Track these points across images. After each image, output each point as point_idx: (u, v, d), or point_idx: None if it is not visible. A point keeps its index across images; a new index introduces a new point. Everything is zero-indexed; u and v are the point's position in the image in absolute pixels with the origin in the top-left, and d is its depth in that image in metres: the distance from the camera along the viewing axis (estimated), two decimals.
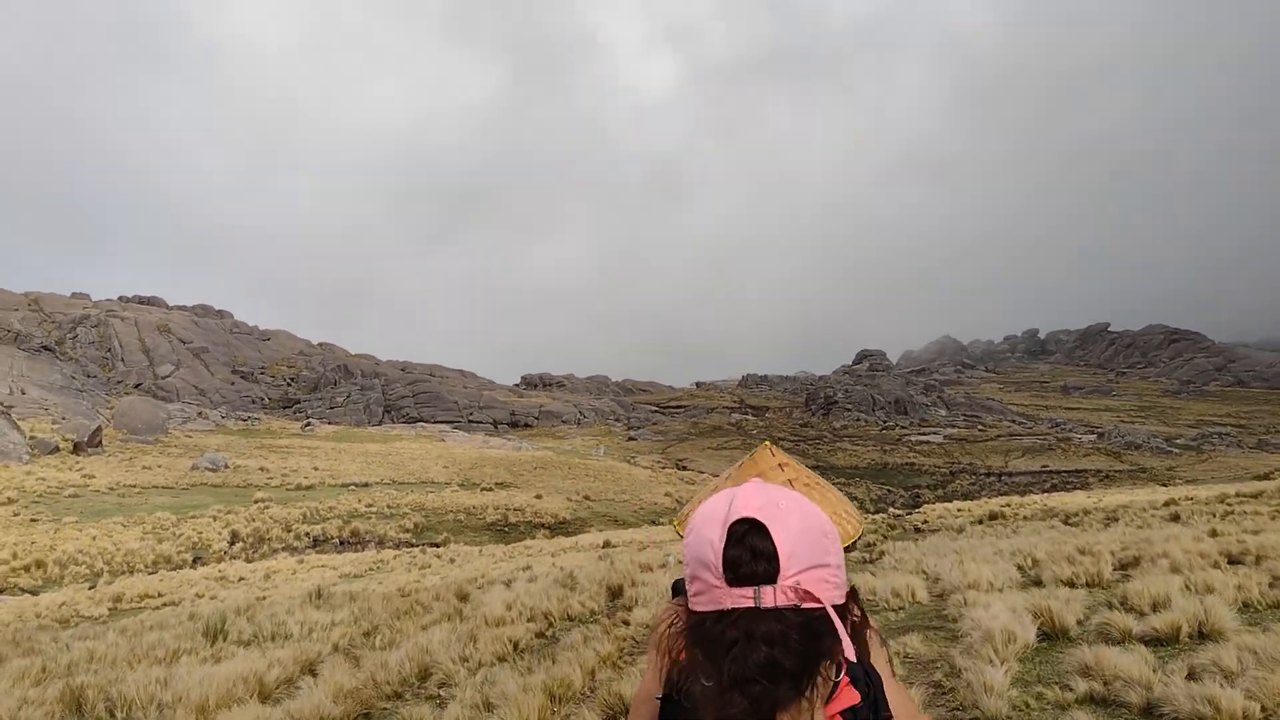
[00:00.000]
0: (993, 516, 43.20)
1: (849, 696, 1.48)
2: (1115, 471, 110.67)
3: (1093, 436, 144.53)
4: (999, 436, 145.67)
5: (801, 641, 1.12)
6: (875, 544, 28.75)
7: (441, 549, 48.77)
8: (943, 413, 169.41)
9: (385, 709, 7.20)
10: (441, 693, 7.50)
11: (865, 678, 1.59)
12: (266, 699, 7.33)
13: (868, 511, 75.27)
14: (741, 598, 1.12)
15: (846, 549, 2.16)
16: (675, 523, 2.31)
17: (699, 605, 1.18)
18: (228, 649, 9.80)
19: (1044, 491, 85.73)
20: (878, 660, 1.84)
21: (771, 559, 1.14)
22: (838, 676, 1.33)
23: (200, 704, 6.85)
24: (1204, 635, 7.42)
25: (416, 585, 26.44)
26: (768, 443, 2.65)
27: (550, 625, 10.99)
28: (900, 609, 11.30)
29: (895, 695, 1.80)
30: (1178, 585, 9.17)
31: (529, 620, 10.97)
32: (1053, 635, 8.14)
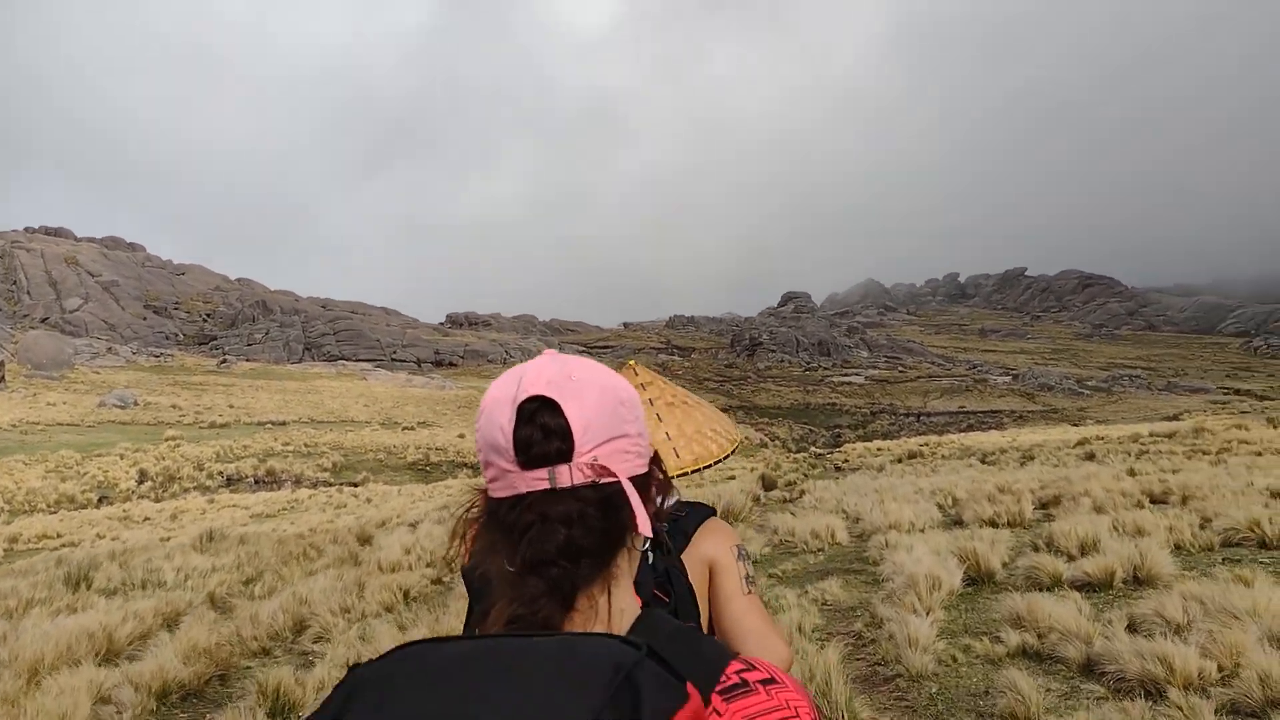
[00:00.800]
0: (912, 455, 43.67)
1: None
2: (1029, 412, 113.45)
3: (1008, 378, 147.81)
4: (919, 378, 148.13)
5: (600, 518, 1.03)
6: (796, 483, 28.58)
7: (360, 489, 47.71)
8: (865, 354, 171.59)
9: (246, 668, 6.45)
10: (316, 648, 6.76)
11: (665, 584, 1.68)
12: (114, 658, 6.52)
13: (789, 451, 75.84)
14: (536, 480, 1.02)
15: (716, 462, 2.22)
16: None
17: (495, 491, 1.07)
18: (89, 599, 8.90)
19: (961, 431, 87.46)
20: (724, 575, 1.89)
21: (565, 436, 1.03)
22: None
23: (33, 664, 6.01)
24: (1139, 581, 6.99)
25: (328, 525, 25.55)
26: (631, 361, 2.45)
27: (450, 569, 10.27)
28: (819, 550, 10.83)
29: (744, 616, 1.83)
30: (1105, 526, 8.76)
31: (427, 565, 10.24)
32: (978, 580, 7.67)
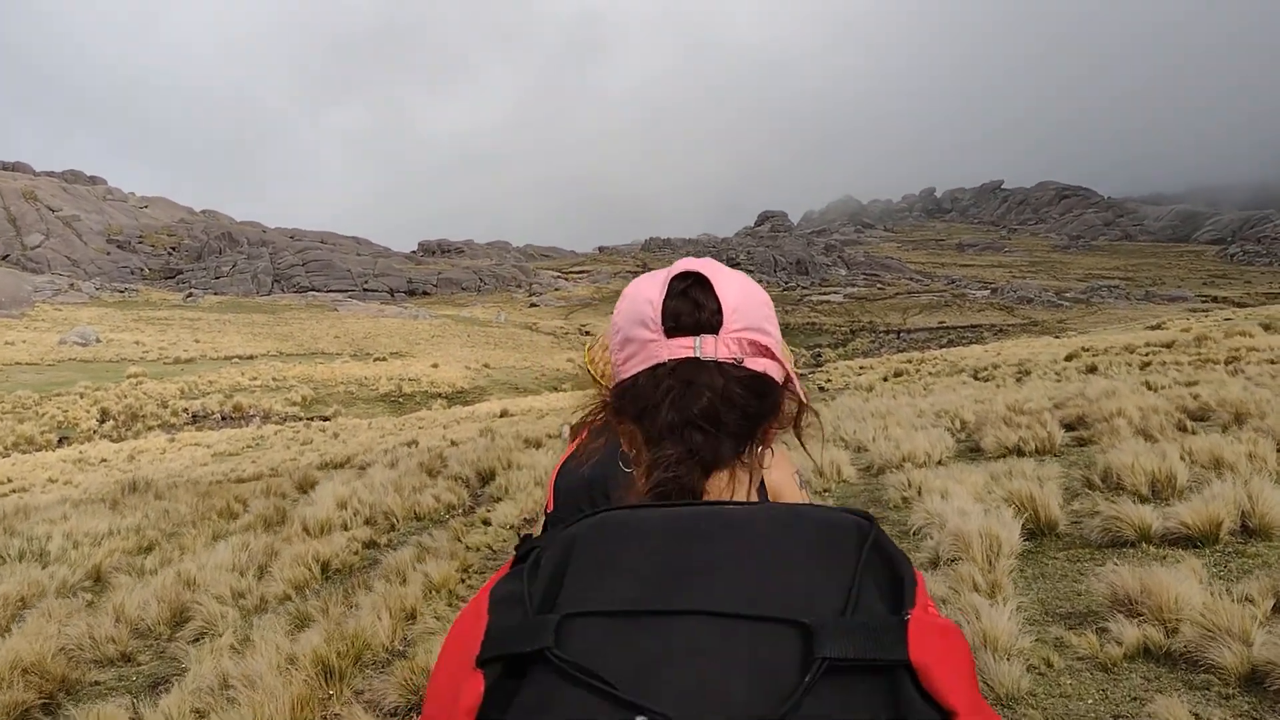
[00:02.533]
0: (898, 373, 42.48)
1: None
2: (1009, 325, 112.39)
3: (986, 292, 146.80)
4: (897, 294, 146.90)
5: (745, 396, 0.98)
6: None
7: (329, 423, 46.35)
8: (843, 272, 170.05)
9: (95, 684, 4.88)
10: (193, 651, 5.15)
11: None
12: None
13: None
14: (681, 348, 0.99)
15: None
16: (585, 355, 1.87)
17: (629, 369, 1.02)
18: None
19: (942, 347, 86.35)
20: (790, 501, 1.80)
21: (715, 311, 1.00)
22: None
23: None
24: (1250, 531, 5.45)
25: (290, 463, 24.11)
26: None
27: (393, 528, 8.73)
28: (825, 492, 9.28)
29: None
30: (1174, 456, 7.21)
31: (366, 522, 8.69)
32: (1038, 532, 6.12)
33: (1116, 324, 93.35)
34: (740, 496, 1.00)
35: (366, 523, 8.79)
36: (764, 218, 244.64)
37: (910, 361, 53.65)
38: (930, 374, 40.34)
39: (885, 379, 38.69)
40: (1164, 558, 5.16)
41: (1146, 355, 28.16)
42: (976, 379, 29.27)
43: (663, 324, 0.99)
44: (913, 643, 0.70)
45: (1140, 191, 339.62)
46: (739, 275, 1.06)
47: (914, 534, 6.48)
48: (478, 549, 7.16)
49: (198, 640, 5.41)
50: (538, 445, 16.58)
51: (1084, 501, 6.80)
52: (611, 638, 0.72)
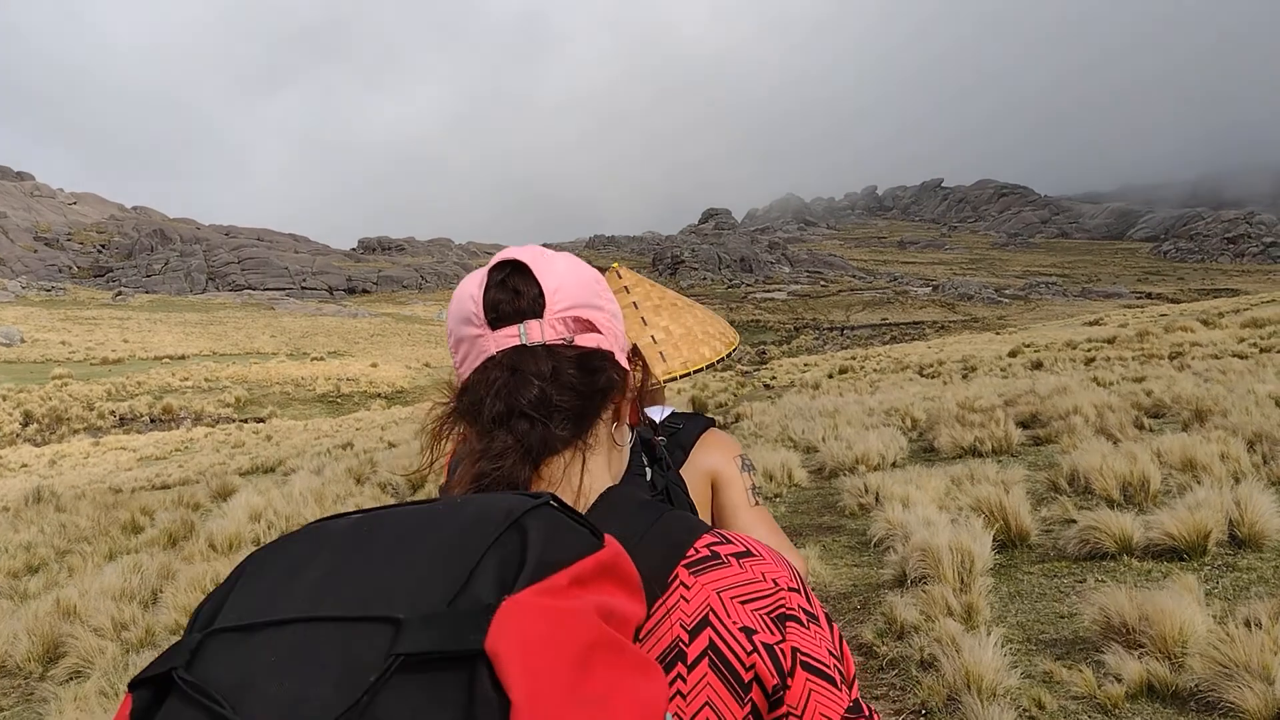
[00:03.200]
0: (843, 370, 42.24)
1: None
2: (950, 322, 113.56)
3: (928, 289, 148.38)
4: (840, 291, 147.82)
5: (578, 376, 0.97)
6: (728, 405, 26.66)
7: (263, 424, 45.14)
8: (786, 269, 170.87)
9: None
10: (61, 693, 4.45)
11: (665, 500, 1.47)
12: None
13: (714, 369, 74.06)
14: (506, 338, 0.97)
15: (709, 366, 2.09)
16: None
17: (466, 369, 1.00)
18: None
19: (885, 344, 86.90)
20: (729, 487, 1.82)
21: (537, 296, 0.98)
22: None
23: None
24: (1240, 542, 5.02)
25: (218, 467, 23.20)
26: (615, 264, 2.27)
27: None
28: (776, 497, 8.76)
29: (752, 526, 1.79)
30: (1145, 457, 6.79)
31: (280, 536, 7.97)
32: (1009, 543, 5.64)
33: (1055, 320, 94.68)
34: (581, 480, 0.96)
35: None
36: (708, 215, 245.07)
37: (855, 358, 53.63)
38: (875, 371, 40.22)
39: (830, 376, 38.40)
40: (1149, 573, 4.70)
41: (1090, 351, 28.18)
42: (923, 376, 29.09)
43: (485, 317, 0.97)
44: (494, 630, 0.65)
45: (1076, 190, 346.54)
46: (562, 256, 1.04)
47: (876, 546, 5.98)
48: None
49: (73, 679, 4.73)
50: None
51: (1053, 508, 6.35)
52: (227, 652, 0.68)
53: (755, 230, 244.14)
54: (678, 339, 2.10)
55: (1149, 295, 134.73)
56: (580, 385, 0.95)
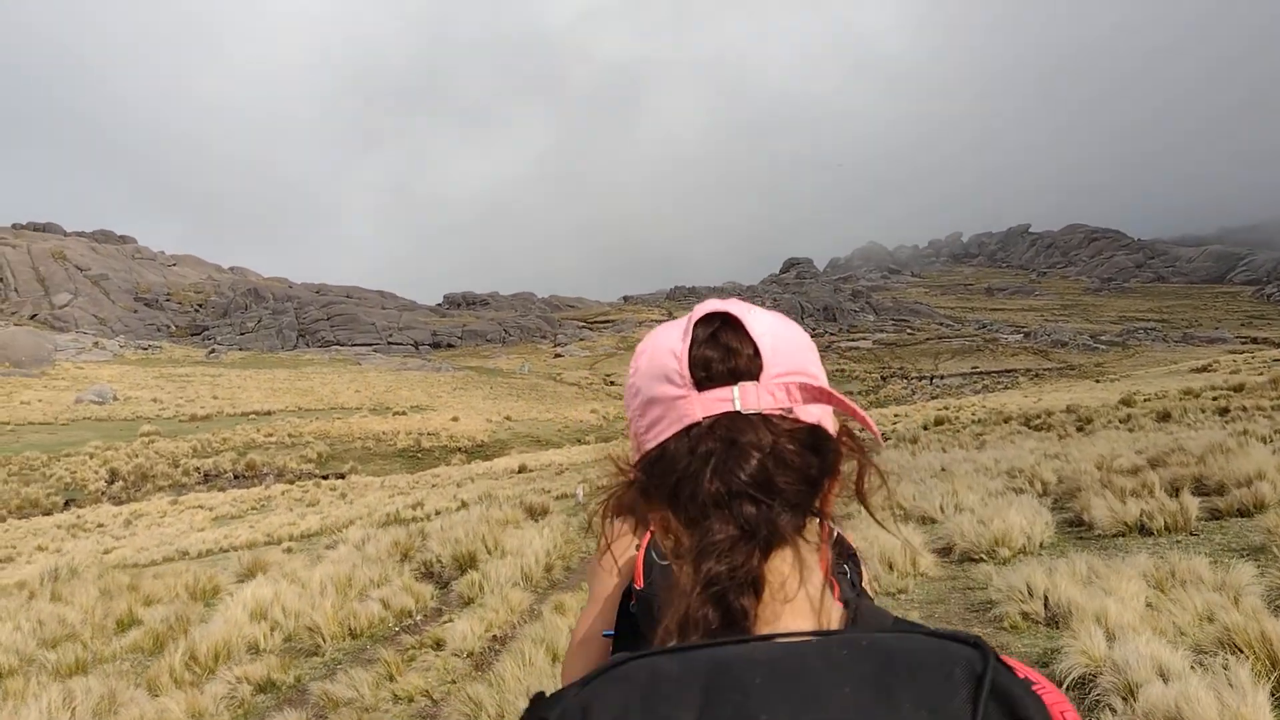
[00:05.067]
0: (938, 422, 40.05)
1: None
2: (1044, 369, 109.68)
3: (1019, 336, 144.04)
4: (928, 340, 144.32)
5: (801, 454, 0.81)
6: None
7: (340, 480, 44.79)
8: (871, 318, 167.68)
9: None
10: None
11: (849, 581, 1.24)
12: None
13: None
14: (717, 401, 0.82)
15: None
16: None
17: (656, 435, 0.85)
18: None
19: (976, 393, 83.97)
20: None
21: (752, 356, 0.84)
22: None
23: None
24: None
25: (291, 527, 22.39)
26: None
27: (316, 651, 6.62)
28: (899, 593, 7.06)
29: None
30: None
31: (285, 640, 6.57)
32: None
33: (1158, 366, 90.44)
34: (810, 587, 0.81)
35: (286, 641, 6.72)
36: (789, 264, 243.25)
37: (947, 408, 51.30)
38: (973, 421, 37.96)
39: (925, 428, 36.23)
40: None
41: (1218, 400, 25.75)
42: (1031, 428, 26.88)
43: (691, 376, 0.83)
44: None
45: (1170, 233, 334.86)
46: (773, 314, 0.90)
47: (1071, 690, 4.26)
48: (409, 698, 5.05)
49: None
50: (543, 513, 14.45)
51: None
52: None
53: (838, 279, 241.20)
54: None
55: (1254, 340, 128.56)
56: (805, 465, 0.81)
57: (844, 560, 1.31)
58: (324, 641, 6.72)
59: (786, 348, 0.85)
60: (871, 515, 0.85)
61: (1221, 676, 3.59)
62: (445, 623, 7.09)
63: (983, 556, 7.84)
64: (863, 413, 0.86)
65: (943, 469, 15.58)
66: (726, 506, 0.77)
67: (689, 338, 0.84)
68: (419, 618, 7.65)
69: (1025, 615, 5.72)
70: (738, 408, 0.80)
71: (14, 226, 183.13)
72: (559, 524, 11.77)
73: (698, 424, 0.80)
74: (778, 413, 0.81)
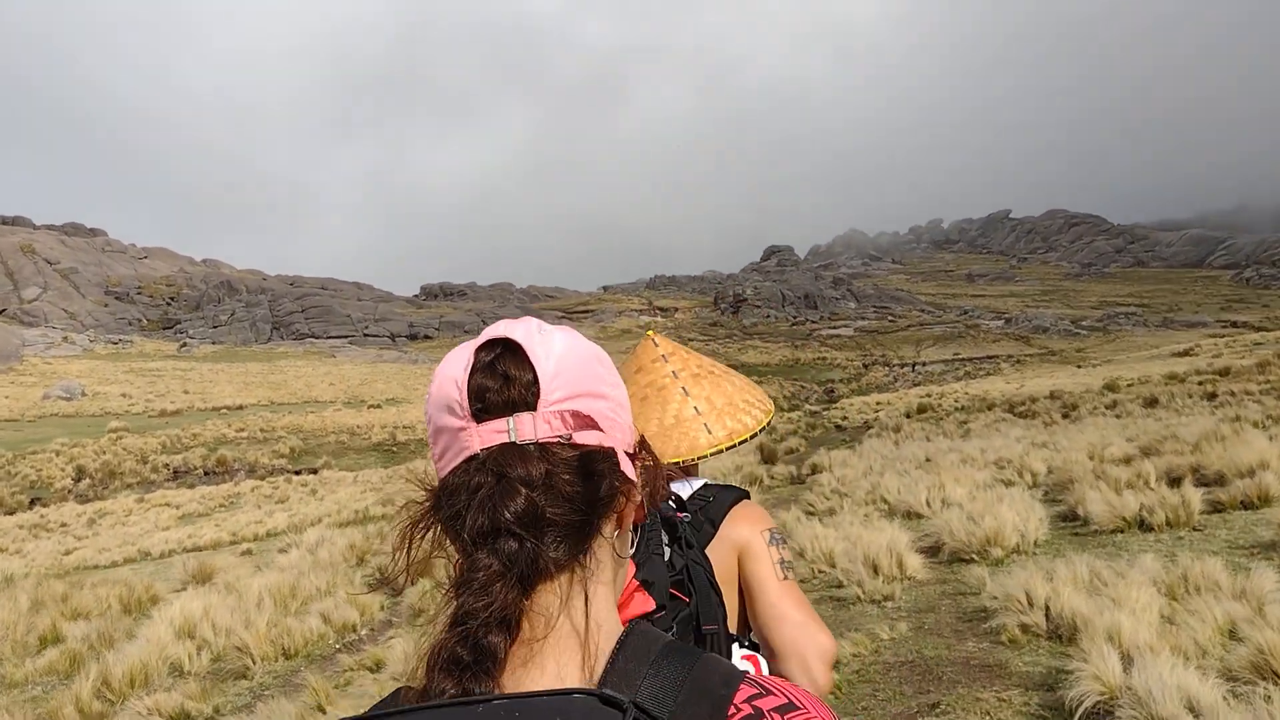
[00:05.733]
0: (920, 409, 39.55)
1: (640, 604, 1.32)
2: (1026, 355, 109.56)
3: (1000, 322, 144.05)
4: (909, 326, 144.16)
5: (575, 483, 0.82)
6: (801, 451, 24.13)
7: (312, 476, 44.02)
8: (852, 305, 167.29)
9: None
10: None
11: (686, 584, 1.53)
12: None
13: (782, 409, 71.11)
14: (492, 433, 0.82)
15: (752, 436, 2.01)
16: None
17: (445, 467, 0.87)
18: None
19: (958, 379, 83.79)
20: (756, 561, 1.75)
21: (530, 383, 0.84)
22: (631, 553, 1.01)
23: None
24: None
25: (258, 525, 21.75)
26: (650, 332, 2.24)
27: (245, 674, 5.87)
28: (885, 600, 6.32)
29: (779, 602, 1.71)
30: None
31: (213, 661, 5.83)
32: None
33: (1139, 351, 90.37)
34: (587, 617, 0.82)
35: (214, 661, 5.99)
36: (770, 252, 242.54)
37: (930, 395, 50.88)
38: (956, 408, 37.47)
39: (908, 415, 35.69)
40: None
41: (1204, 385, 25.22)
42: (1015, 415, 26.31)
43: (469, 406, 0.83)
44: None
45: (1149, 218, 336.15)
46: (560, 332, 0.90)
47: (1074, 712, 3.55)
48: None
49: None
50: None
51: None
52: None
53: (819, 266, 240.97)
54: (721, 409, 2.02)
55: (1234, 324, 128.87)
56: (578, 495, 0.81)
57: (671, 542, 1.55)
58: (254, 663, 5.98)
59: (571, 370, 0.84)
60: (672, 527, 0.85)
61: (1263, 712, 2.89)
62: (390, 639, 6.37)
63: (974, 557, 7.15)
64: (629, 465, 0.86)
65: (928, 459, 14.95)
66: (490, 542, 0.78)
67: (470, 366, 0.84)
68: (364, 632, 6.91)
69: (1025, 628, 5.02)
70: (513, 439, 0.80)
71: None
72: None
73: (475, 456, 0.81)
74: (556, 440, 0.81)
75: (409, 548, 0.84)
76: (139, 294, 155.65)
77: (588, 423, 0.83)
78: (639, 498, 0.88)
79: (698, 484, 1.91)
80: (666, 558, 1.57)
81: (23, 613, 7.79)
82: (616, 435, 0.86)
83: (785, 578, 1.74)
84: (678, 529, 1.63)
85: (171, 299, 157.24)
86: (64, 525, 32.68)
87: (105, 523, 31.72)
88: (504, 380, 0.82)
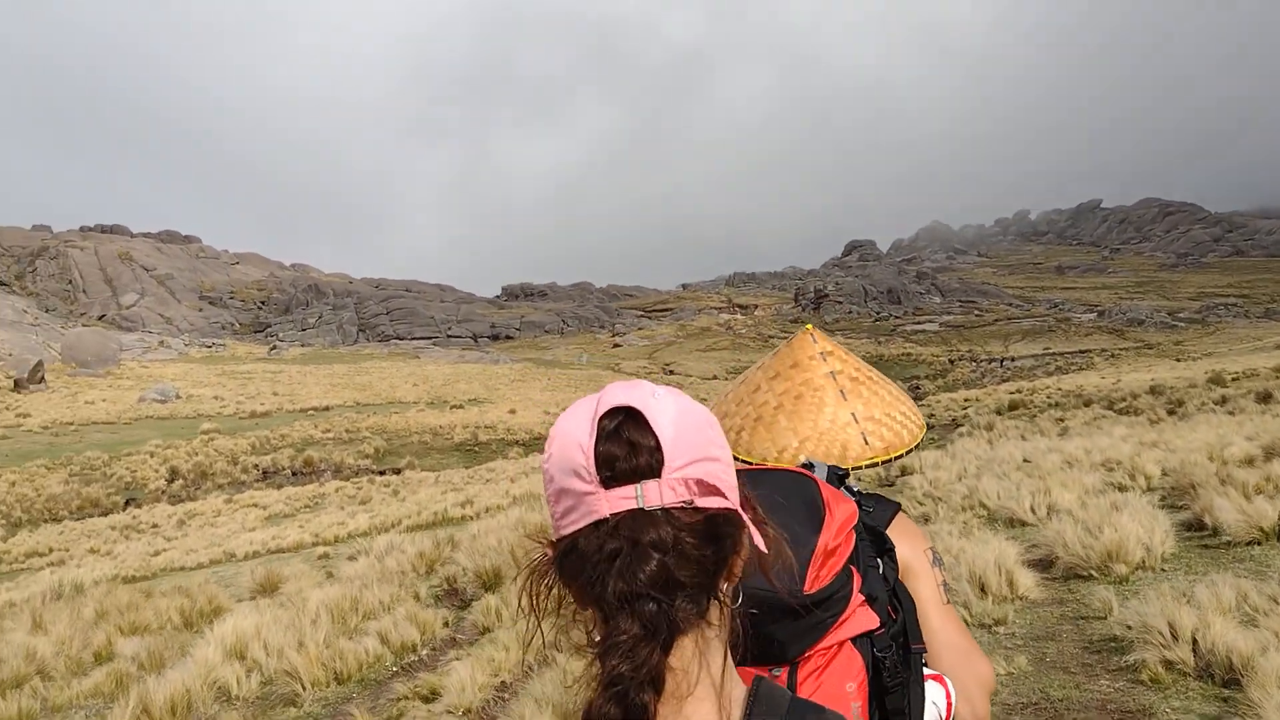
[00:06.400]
0: (1012, 406, 38.33)
1: (864, 620, 1.38)
2: (1121, 349, 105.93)
3: (1093, 315, 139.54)
4: (996, 321, 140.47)
5: (701, 546, 0.87)
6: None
7: (396, 476, 44.45)
8: (937, 300, 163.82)
9: None
10: None
11: (892, 598, 1.52)
12: None
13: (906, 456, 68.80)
14: (621, 499, 0.87)
15: (907, 452, 1.93)
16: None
17: (570, 525, 0.91)
18: None
19: (1050, 375, 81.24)
20: (919, 581, 1.69)
21: (653, 450, 0.89)
22: (841, 590, 1.23)
23: None
24: None
25: (339, 527, 21.80)
26: (810, 327, 2.11)
27: (296, 699, 5.50)
28: (996, 626, 5.68)
29: (942, 628, 1.66)
30: None
31: (262, 685, 5.47)
32: None
33: (1241, 344, 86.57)
34: (712, 670, 0.87)
35: (264, 685, 5.64)
36: (851, 247, 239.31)
37: (1020, 392, 49.29)
38: (1049, 405, 36.12)
39: (999, 413, 34.46)
40: None
41: None
42: (1116, 412, 25.07)
43: (598, 474, 0.87)
44: None
45: (1248, 205, 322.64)
46: (671, 396, 0.93)
47: None
48: None
49: None
50: None
51: None
52: None
53: (901, 260, 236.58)
54: (879, 419, 1.92)
55: None
56: (705, 558, 0.86)
57: (881, 554, 1.50)
58: (303, 689, 5.62)
59: (687, 436, 0.88)
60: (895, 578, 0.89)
61: None
62: (450, 662, 5.95)
63: (1093, 573, 6.43)
64: (751, 524, 0.90)
65: (1025, 460, 14.09)
66: (630, 606, 0.82)
67: (594, 432, 0.87)
68: (425, 652, 6.50)
69: (1169, 665, 4.34)
70: (641, 505, 0.84)
71: (82, 229, 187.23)
72: None
73: (605, 520, 0.85)
74: (679, 505, 0.85)
75: (534, 599, 0.89)
76: (231, 299, 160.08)
77: (710, 489, 0.86)
78: (747, 553, 0.91)
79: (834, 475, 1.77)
80: (881, 571, 1.52)
81: (83, 625, 7.58)
82: (733, 496, 0.89)
83: (947, 601, 1.70)
84: (886, 542, 1.56)
85: (262, 303, 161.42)
86: (155, 526, 33.38)
87: (194, 524, 32.31)
88: (630, 448, 0.85)
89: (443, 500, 27.19)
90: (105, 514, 40.25)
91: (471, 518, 20.15)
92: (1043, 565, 7.06)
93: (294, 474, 48.43)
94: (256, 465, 48.93)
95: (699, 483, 0.85)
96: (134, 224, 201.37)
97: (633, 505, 0.84)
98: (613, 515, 0.84)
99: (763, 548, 0.88)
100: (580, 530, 0.85)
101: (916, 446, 1.94)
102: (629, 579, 0.81)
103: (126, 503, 42.63)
